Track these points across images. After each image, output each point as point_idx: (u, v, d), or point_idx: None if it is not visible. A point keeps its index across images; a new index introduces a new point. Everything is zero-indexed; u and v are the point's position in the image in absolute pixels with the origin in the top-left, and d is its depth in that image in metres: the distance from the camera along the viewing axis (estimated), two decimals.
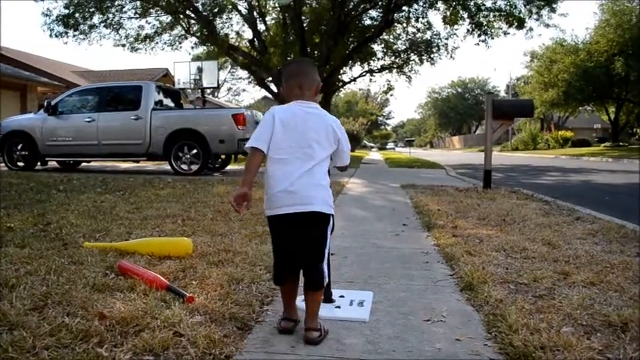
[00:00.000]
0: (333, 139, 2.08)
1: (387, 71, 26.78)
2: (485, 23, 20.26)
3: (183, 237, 3.50)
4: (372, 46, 24.07)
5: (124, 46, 21.12)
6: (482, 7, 19.80)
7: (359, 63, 25.60)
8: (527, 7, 19.24)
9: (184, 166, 10.13)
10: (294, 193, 1.97)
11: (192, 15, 19.97)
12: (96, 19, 19.63)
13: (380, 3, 20.62)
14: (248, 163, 2.03)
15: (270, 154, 2.01)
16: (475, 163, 19.67)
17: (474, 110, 72.82)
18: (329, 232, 2.11)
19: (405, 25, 23.46)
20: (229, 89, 55.64)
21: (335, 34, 20.02)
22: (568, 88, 33.64)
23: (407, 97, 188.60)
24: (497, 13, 19.91)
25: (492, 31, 20.51)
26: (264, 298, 2.42)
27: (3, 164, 11.05)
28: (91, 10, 19.03)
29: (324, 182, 2.07)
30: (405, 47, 25.43)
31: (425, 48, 24.39)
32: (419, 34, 24.15)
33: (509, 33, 20.38)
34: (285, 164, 2.00)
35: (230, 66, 38.13)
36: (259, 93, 65.52)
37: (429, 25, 23.12)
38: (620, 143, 35.83)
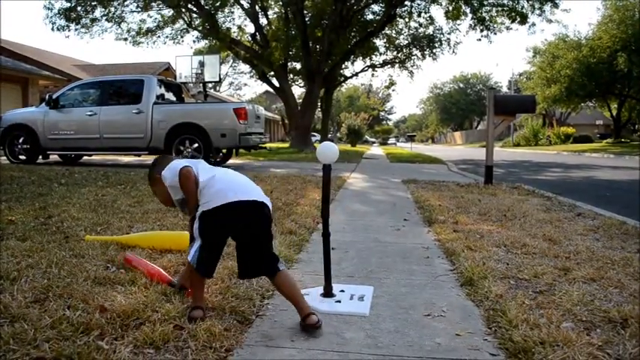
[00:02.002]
0: None
1: (389, 66, 26.78)
2: (487, 18, 20.22)
3: (184, 231, 3.50)
4: (374, 40, 24.05)
5: (125, 39, 21.16)
6: (485, 2, 19.75)
7: (361, 58, 25.58)
8: (530, 2, 19.20)
9: None
10: None
11: (194, 9, 19.94)
12: (98, 12, 19.64)
13: None
14: None
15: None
16: (477, 158, 19.65)
17: (476, 106, 72.71)
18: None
19: (407, 19, 23.44)
20: (231, 83, 55.72)
21: (337, 28, 19.98)
22: (570, 84, 33.54)
23: (409, 92, 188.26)
24: (499, 9, 19.87)
25: (495, 26, 20.48)
26: (265, 292, 2.42)
27: (4, 157, 11.07)
28: (92, 3, 19.01)
29: None
30: (407, 42, 25.40)
31: (427, 43, 24.35)
32: (421, 29, 24.14)
33: (511, 28, 20.37)
34: None
35: (232, 60, 38.17)
36: (261, 87, 65.46)
37: (432, 20, 23.13)
38: (622, 140, 35.78)
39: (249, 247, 2.10)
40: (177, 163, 2.22)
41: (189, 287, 2.27)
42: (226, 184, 2.14)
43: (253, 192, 2.15)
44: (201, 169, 2.17)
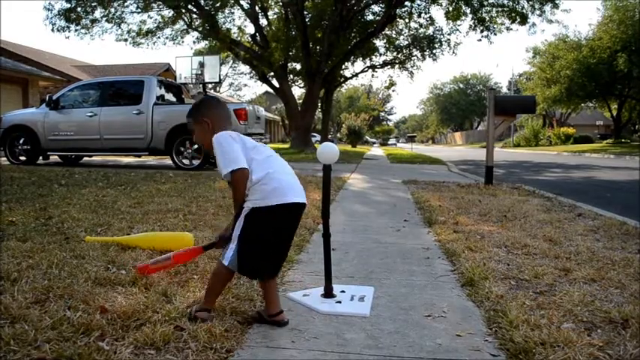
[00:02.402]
0: None
1: (389, 67, 26.74)
2: (487, 19, 20.22)
3: (184, 232, 3.50)
4: (374, 41, 24.04)
5: (125, 40, 21.14)
6: (485, 3, 19.75)
7: (361, 58, 25.56)
8: (530, 2, 19.20)
9: (186, 161, 10.14)
10: None
11: (194, 9, 19.95)
12: (98, 13, 19.63)
13: None
14: None
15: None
16: (477, 159, 19.65)
17: (476, 106, 72.73)
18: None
19: (407, 20, 23.43)
20: (231, 84, 55.64)
21: (337, 29, 19.98)
22: (570, 85, 33.55)
23: (409, 92, 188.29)
24: (500, 9, 19.88)
25: (495, 26, 20.48)
26: None
27: (5, 158, 11.07)
28: (93, 4, 19.01)
29: None
30: (407, 43, 25.38)
31: (427, 43, 24.33)
32: (421, 30, 24.11)
33: (511, 29, 20.38)
34: None
35: (232, 61, 38.08)
36: (261, 88, 65.46)
37: (432, 21, 23.12)
38: (622, 140, 35.78)
39: (285, 247, 2.15)
40: (231, 143, 2.06)
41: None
42: (284, 182, 2.07)
43: (302, 192, 2.12)
44: (256, 163, 2.05)
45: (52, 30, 19.68)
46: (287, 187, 2.05)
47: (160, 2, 19.50)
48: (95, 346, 1.74)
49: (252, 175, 2.02)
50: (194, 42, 24.66)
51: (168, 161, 10.93)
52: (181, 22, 21.25)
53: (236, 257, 2.02)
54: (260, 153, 2.09)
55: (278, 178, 2.05)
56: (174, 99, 11.52)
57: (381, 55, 26.06)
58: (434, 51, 24.38)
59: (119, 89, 11.20)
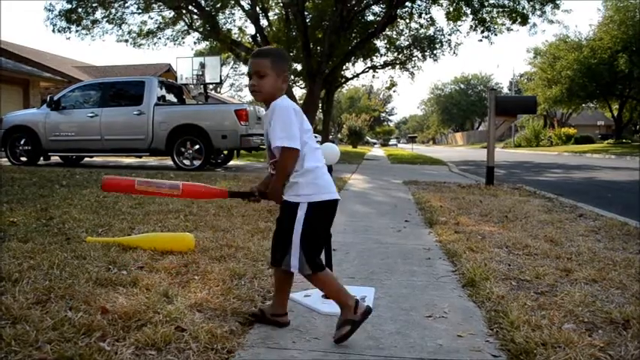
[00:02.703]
0: None
1: (389, 67, 26.74)
2: (488, 19, 20.20)
3: (185, 232, 3.51)
4: (375, 42, 24.03)
5: (126, 41, 21.16)
6: (486, 3, 19.73)
7: (362, 59, 25.57)
8: (531, 3, 19.18)
9: (187, 162, 10.14)
10: None
11: (195, 10, 19.96)
12: (99, 14, 19.64)
13: None
14: None
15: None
16: (478, 159, 19.64)
17: (477, 107, 72.71)
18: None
19: (407, 20, 23.42)
20: (232, 85, 55.74)
21: (338, 29, 19.98)
22: (571, 85, 33.54)
23: (410, 93, 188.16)
24: (500, 9, 19.85)
25: (496, 27, 20.46)
26: (267, 294, 2.42)
27: (6, 159, 11.08)
28: (93, 5, 19.03)
29: None
30: (407, 43, 25.38)
31: (428, 44, 24.33)
32: (422, 30, 24.10)
33: (512, 29, 20.35)
34: None
35: (233, 62, 38.14)
36: None
37: (432, 21, 23.08)
38: (623, 140, 35.77)
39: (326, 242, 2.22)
40: (293, 119, 1.95)
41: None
42: (327, 178, 2.05)
43: None
44: (309, 150, 1.99)
45: (53, 31, 19.70)
46: (331, 183, 2.06)
47: (161, 3, 19.51)
48: (96, 346, 1.74)
49: (305, 161, 1.97)
50: (195, 43, 24.67)
51: (169, 162, 10.94)
52: (182, 23, 21.26)
53: (304, 259, 1.95)
54: (313, 141, 2.05)
55: (325, 173, 2.05)
56: (175, 100, 11.53)
57: (381, 55, 26.09)
58: (434, 51, 24.38)
59: (120, 90, 11.22)
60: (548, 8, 19.25)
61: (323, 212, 2.01)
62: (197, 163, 10.06)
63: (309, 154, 1.99)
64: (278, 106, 1.97)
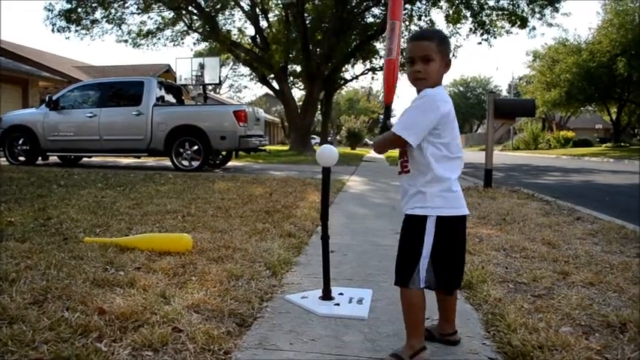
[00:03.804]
0: None
1: None
2: (488, 22, 20.25)
3: (183, 233, 3.50)
4: (375, 43, 24.08)
5: (126, 41, 21.21)
6: (485, 6, 19.78)
7: (361, 61, 25.62)
8: (530, 6, 19.23)
9: (185, 162, 10.13)
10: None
11: (195, 11, 19.99)
12: (98, 14, 19.68)
13: (382, 0, 20.59)
14: None
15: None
16: (476, 162, 19.62)
17: (476, 109, 72.82)
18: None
19: (407, 23, 23.43)
20: (231, 86, 55.74)
21: (337, 31, 20.01)
22: (570, 88, 33.58)
23: (409, 95, 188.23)
24: (500, 12, 19.91)
25: (495, 30, 20.51)
26: (264, 295, 2.42)
27: (4, 159, 11.06)
28: (93, 5, 19.05)
29: None
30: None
31: None
32: None
33: (511, 32, 20.40)
34: None
35: (232, 62, 38.16)
36: (261, 90, 65.37)
37: (432, 24, 23.08)
38: (622, 144, 35.84)
39: (461, 259, 1.97)
40: (430, 115, 1.77)
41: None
42: (459, 191, 1.87)
43: None
44: (447, 152, 1.84)
45: (53, 30, 19.76)
46: (462, 196, 1.88)
47: (161, 3, 19.53)
48: (93, 347, 1.74)
49: (440, 167, 1.83)
50: (194, 43, 24.79)
51: (167, 162, 10.93)
52: (181, 24, 21.30)
53: (432, 272, 1.85)
54: (457, 148, 1.88)
55: (458, 185, 1.88)
56: (174, 100, 11.53)
57: (381, 57, 26.10)
58: None
59: (119, 90, 11.21)
60: (547, 11, 19.32)
61: (451, 227, 1.84)
62: (195, 163, 10.06)
63: (447, 163, 1.84)
64: (428, 95, 1.78)
